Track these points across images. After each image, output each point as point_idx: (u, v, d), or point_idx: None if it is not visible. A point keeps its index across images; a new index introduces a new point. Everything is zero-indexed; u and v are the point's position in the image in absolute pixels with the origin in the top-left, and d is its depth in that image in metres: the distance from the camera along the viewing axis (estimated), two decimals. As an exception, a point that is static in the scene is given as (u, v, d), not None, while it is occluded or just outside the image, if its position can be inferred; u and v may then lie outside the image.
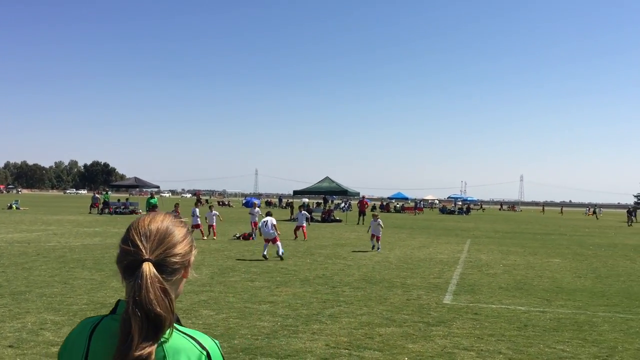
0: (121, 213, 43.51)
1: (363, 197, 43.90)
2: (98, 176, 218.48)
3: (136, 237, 1.52)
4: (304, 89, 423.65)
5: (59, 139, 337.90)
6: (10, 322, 7.93)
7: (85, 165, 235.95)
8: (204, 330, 7.73)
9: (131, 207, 45.66)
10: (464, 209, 74.84)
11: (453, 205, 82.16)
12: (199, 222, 23.78)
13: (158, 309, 1.41)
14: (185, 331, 1.51)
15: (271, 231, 17.20)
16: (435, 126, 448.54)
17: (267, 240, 17.17)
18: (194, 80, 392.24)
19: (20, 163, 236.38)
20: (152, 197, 28.83)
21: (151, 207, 27.71)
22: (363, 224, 38.50)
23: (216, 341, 1.54)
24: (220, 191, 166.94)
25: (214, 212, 23.87)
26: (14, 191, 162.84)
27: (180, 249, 1.56)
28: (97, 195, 47.59)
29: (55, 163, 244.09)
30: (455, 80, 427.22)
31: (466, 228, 38.69)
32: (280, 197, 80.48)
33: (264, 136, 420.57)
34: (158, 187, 48.60)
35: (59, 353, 1.53)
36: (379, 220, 20.61)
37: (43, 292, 10.29)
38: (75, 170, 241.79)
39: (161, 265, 1.50)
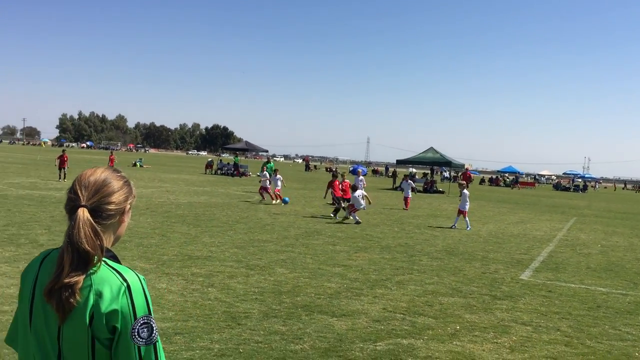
0: (231, 175, 45.72)
1: (466, 169, 43.00)
2: (218, 139, 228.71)
3: (77, 187, 1.84)
4: (420, 60, 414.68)
5: (184, 103, 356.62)
6: (106, 266, 8.93)
7: (206, 128, 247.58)
8: (271, 286, 8.32)
9: (242, 170, 47.75)
10: (580, 187, 70.80)
11: (569, 182, 77.95)
12: (268, 186, 23.53)
13: (86, 246, 1.72)
14: (114, 266, 1.80)
15: (362, 202, 17.87)
16: (558, 98, 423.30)
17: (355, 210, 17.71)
18: (310, 47, 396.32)
19: (149, 124, 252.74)
20: (268, 162, 29.78)
21: (269, 170, 28.54)
22: (466, 196, 37.80)
23: (141, 277, 1.83)
24: (331, 158, 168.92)
25: (278, 176, 24.06)
26: (142, 150, 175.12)
27: (115, 197, 1.86)
28: (211, 160, 50.35)
29: (180, 125, 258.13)
30: (586, 48, 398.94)
31: (576, 206, 36.86)
32: (386, 166, 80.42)
33: (378, 104, 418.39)
34: (267, 151, 50.39)
35: (21, 275, 1.95)
36: (465, 191, 18.94)
37: (141, 242, 11.37)
38: (197, 132, 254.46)
39: (96, 211, 1.81)
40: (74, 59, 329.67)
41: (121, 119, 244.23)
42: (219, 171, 47.95)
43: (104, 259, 1.80)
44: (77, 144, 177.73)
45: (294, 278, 9.15)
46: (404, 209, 24.26)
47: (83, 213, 1.79)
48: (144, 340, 1.74)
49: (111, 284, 1.75)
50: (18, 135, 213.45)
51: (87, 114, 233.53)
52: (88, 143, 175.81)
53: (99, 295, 1.72)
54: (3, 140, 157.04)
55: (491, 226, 19.70)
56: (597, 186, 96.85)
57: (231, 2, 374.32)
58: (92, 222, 1.79)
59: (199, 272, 9.08)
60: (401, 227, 17.49)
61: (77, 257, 1.73)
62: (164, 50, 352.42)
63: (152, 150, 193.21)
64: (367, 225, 17.44)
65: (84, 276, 1.73)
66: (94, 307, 1.71)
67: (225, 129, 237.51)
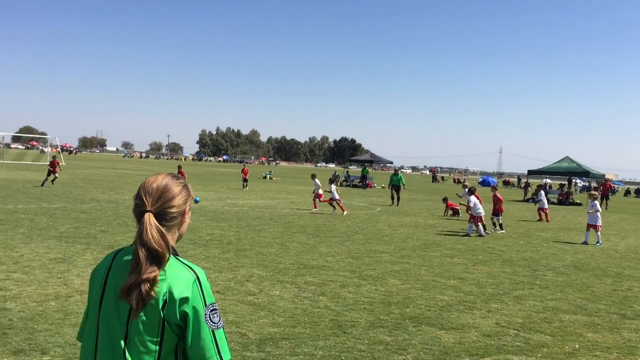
0: (357, 186, 46.13)
1: (607, 179, 39.94)
2: (345, 151, 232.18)
3: (142, 194, 2.08)
4: (554, 68, 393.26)
5: (313, 116, 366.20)
6: (225, 273, 9.43)
7: (334, 141, 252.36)
8: (382, 296, 8.33)
9: (367, 181, 47.98)
10: None
11: None
12: (337, 197, 21.98)
13: (155, 246, 1.96)
14: (183, 261, 2.06)
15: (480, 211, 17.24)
16: None
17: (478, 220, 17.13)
18: (438, 56, 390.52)
19: (280, 138, 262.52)
20: (396, 173, 29.70)
21: (397, 182, 28.54)
22: (606, 209, 35.19)
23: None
24: (460, 169, 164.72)
25: (317, 181, 23.91)
26: (274, 163, 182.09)
27: (175, 201, 2.09)
28: (337, 173, 51.22)
29: (309, 138, 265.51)
30: None
31: None
32: (519, 177, 76.91)
33: (512, 112, 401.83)
34: (392, 162, 50.26)
35: (92, 274, 2.16)
36: (595, 203, 17.27)
37: (261, 251, 11.86)
38: (326, 145, 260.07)
39: (160, 214, 2.05)
40: (212, 77, 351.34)
41: (254, 133, 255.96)
42: (344, 183, 48.61)
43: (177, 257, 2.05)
44: (215, 158, 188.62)
45: (406, 289, 9.07)
46: (538, 220, 23.26)
47: (149, 217, 2.03)
48: (215, 325, 1.97)
49: (183, 275, 2.00)
50: (163, 150, 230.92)
51: (224, 130, 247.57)
52: (224, 157, 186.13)
53: (173, 284, 1.96)
54: (150, 156, 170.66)
55: (631, 241, 18.18)
56: None
57: (366, 13, 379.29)
58: (158, 224, 2.02)
59: (312, 280, 9.29)
60: (527, 240, 16.68)
61: (150, 256, 1.96)
62: (295, 67, 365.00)
63: (283, 163, 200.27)
64: (490, 238, 16.83)
65: (159, 271, 1.97)
66: (168, 293, 1.94)
67: (353, 141, 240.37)
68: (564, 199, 38.45)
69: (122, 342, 1.95)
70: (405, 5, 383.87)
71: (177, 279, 1.97)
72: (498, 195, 19.37)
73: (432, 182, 76.43)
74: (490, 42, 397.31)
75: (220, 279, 8.95)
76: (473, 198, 17.51)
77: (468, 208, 17.67)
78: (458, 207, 22.89)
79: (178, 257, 2.07)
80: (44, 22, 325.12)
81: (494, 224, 19.03)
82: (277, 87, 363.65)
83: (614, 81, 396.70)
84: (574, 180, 52.38)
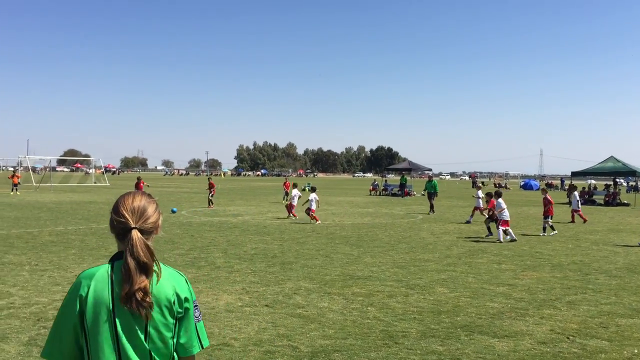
0: (396, 195, 45.92)
1: (655, 177, 38.73)
2: (382, 160, 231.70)
3: (125, 211, 2.33)
4: (592, 64, 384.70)
5: (348, 127, 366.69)
6: (273, 287, 9.51)
7: (371, 150, 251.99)
8: (431, 305, 8.27)
9: (407, 189, 47.71)
10: None
11: None
12: (313, 207, 21.48)
13: (144, 259, 2.24)
14: (168, 267, 2.39)
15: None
16: None
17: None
18: (473, 62, 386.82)
19: (316, 150, 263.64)
20: (430, 180, 29.43)
21: (432, 189, 28.32)
22: (656, 208, 34.13)
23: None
24: (501, 173, 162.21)
25: (296, 191, 23.65)
26: (311, 175, 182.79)
27: (152, 219, 2.38)
28: (376, 183, 51.14)
29: (346, 149, 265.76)
30: None
31: None
32: (562, 179, 75.30)
33: (549, 114, 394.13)
34: (430, 169, 49.79)
35: (83, 290, 2.25)
36: None
37: (306, 264, 11.92)
38: (363, 155, 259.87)
39: (141, 230, 2.32)
40: (246, 92, 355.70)
41: (291, 146, 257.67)
42: (383, 192, 48.45)
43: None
44: (253, 172, 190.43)
45: (455, 297, 8.98)
46: (570, 222, 22.83)
47: (136, 234, 2.30)
48: (198, 318, 2.37)
49: (178, 276, 2.38)
50: (202, 167, 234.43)
51: (260, 144, 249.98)
52: (262, 171, 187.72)
53: (176, 285, 2.33)
54: (190, 173, 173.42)
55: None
56: None
57: (395, 18, 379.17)
58: (144, 239, 2.30)
59: (360, 291, 9.29)
60: (576, 244, 16.30)
61: (139, 267, 2.23)
62: (327, 77, 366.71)
63: (321, 175, 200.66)
64: (537, 242, 16.52)
65: (149, 279, 2.24)
66: (175, 294, 2.30)
67: (389, 149, 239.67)
68: (611, 200, 37.45)
69: (145, 342, 2.22)
70: (437, 6, 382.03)
71: (176, 281, 2.35)
72: (548, 197, 19.19)
73: (472, 187, 75.43)
74: (525, 42, 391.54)
75: (268, 293, 9.02)
76: (502, 202, 17.23)
77: (490, 211, 17.71)
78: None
79: (162, 264, 2.36)
80: (83, 45, 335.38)
81: (544, 227, 18.75)
82: (312, 98, 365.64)
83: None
84: (618, 181, 51.01)
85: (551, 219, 18.73)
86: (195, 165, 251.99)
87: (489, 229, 17.98)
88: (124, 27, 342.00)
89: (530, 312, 8.14)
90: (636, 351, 6.42)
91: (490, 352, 6.31)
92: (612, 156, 39.78)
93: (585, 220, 23.43)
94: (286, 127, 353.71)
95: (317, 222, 20.79)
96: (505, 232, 16.61)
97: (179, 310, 2.30)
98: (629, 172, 39.45)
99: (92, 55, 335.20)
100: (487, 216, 18.63)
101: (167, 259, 12.06)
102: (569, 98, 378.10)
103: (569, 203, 31.63)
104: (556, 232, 18.49)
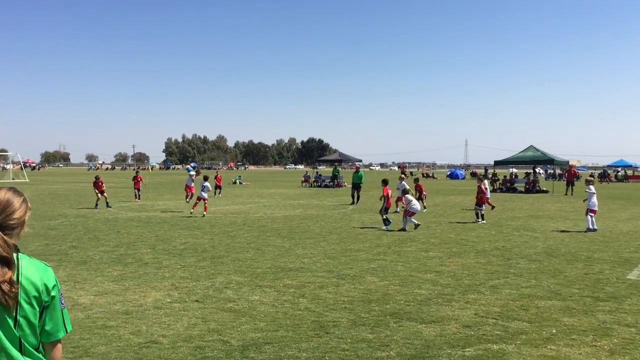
0: (328, 186, 46.25)
1: (571, 166, 40.85)
2: (314, 152, 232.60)
3: None
4: (508, 51, 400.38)
5: (279, 119, 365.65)
6: (203, 281, 9.38)
7: (302, 142, 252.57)
8: (361, 295, 8.38)
9: (337, 180, 48.11)
10: None
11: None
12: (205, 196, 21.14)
13: (3, 253, 2.29)
14: (31, 258, 2.45)
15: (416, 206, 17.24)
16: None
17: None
18: (401, 54, 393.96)
19: (247, 142, 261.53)
20: (357, 171, 29.47)
21: (357, 180, 28.32)
22: (572, 194, 36.01)
23: None
24: (428, 163, 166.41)
25: (205, 183, 21.89)
26: (242, 167, 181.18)
27: (17, 214, 2.42)
28: (308, 174, 51.30)
29: (277, 141, 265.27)
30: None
31: (698, 198, 33.98)
32: (486, 168, 78.08)
33: (474, 105, 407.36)
34: (360, 160, 50.52)
35: None
36: (589, 188, 17.64)
37: (237, 257, 11.82)
38: (294, 147, 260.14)
39: (3, 226, 2.36)
40: (174, 84, 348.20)
41: (221, 139, 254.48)
42: (315, 183, 48.67)
43: (21, 253, 2.43)
44: (183, 166, 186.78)
45: (384, 286, 9.14)
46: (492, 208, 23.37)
47: None
48: (64, 305, 2.50)
49: (44, 268, 2.46)
50: (129, 161, 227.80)
51: (190, 137, 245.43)
52: (192, 164, 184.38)
53: (42, 275, 2.42)
54: (116, 167, 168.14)
55: (598, 224, 18.56)
56: None
57: (326, 11, 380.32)
58: (2, 234, 2.33)
59: (291, 283, 9.30)
60: (499, 230, 16.97)
61: (0, 261, 2.30)
62: (257, 71, 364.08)
63: (252, 167, 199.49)
64: (462, 230, 17.08)
65: (11, 270, 2.31)
66: (43, 284, 2.39)
67: (320, 141, 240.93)
68: (531, 187, 39.19)
69: (14, 329, 2.33)
70: (368, 1, 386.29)
71: (43, 271, 2.43)
72: (482, 186, 19.82)
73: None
74: (448, 35, 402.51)
75: (198, 288, 8.89)
76: (409, 197, 17.66)
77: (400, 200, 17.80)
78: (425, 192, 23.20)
79: (25, 255, 2.43)
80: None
81: (476, 214, 19.44)
82: (242, 90, 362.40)
83: (574, 69, 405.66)
84: (537, 169, 53.47)
85: (483, 207, 19.41)
86: (121, 159, 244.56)
87: (385, 220, 17.75)
88: (39, 17, 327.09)
89: (456, 298, 8.40)
90: (554, 331, 6.75)
91: (417, 337, 6.47)
92: (531, 145, 41.61)
93: (493, 207, 23.70)
94: (216, 119, 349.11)
95: (204, 213, 20.38)
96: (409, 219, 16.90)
97: (46, 299, 2.40)
98: (547, 161, 41.40)
99: (8, 45, 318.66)
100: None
101: (91, 257, 11.66)
102: (492, 90, 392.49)
103: (500, 191, 32.90)
104: (485, 222, 18.94)
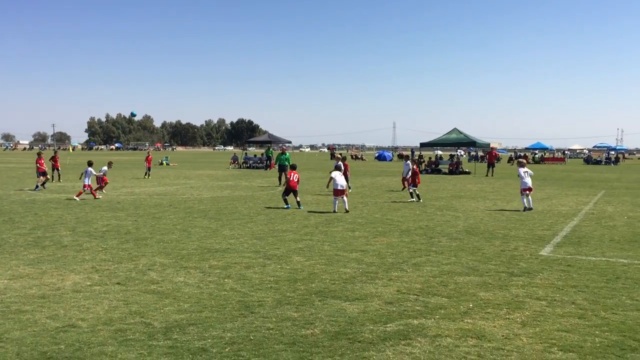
0: (257, 167, 46.00)
1: (492, 148, 42.45)
2: (243, 133, 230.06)
3: None
4: (434, 40, 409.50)
5: (208, 99, 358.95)
6: (125, 264, 9.15)
7: (232, 123, 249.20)
8: (287, 274, 8.43)
9: (267, 162, 47.90)
10: (612, 159, 69.39)
11: (600, 155, 76.48)
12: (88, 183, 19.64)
13: None
14: None
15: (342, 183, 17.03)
16: (589, 69, 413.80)
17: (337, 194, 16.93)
18: (331, 34, 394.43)
19: (175, 122, 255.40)
20: (283, 153, 28.70)
21: (283, 162, 27.52)
22: (492, 175, 37.45)
23: None
24: (358, 145, 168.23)
25: (104, 168, 21.29)
26: (170, 148, 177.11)
27: None
28: (236, 156, 50.78)
29: (206, 122, 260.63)
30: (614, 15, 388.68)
31: (606, 179, 36.17)
32: (412, 150, 79.96)
33: (403, 88, 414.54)
34: (290, 142, 50.50)
35: None
36: (520, 169, 18.35)
37: (162, 239, 11.59)
38: (223, 127, 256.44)
39: None
40: (97, 61, 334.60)
41: (148, 119, 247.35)
42: (243, 164, 48.29)
43: None
44: (106, 146, 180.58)
45: (310, 265, 9.23)
46: (403, 188, 23.72)
47: None
48: None
49: None
50: (49, 141, 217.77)
51: (114, 116, 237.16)
52: (117, 145, 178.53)
53: None
54: (34, 147, 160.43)
55: (515, 204, 19.48)
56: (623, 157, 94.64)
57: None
58: None
59: (217, 264, 9.23)
60: (423, 210, 17.45)
61: None
62: (185, 49, 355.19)
63: (180, 148, 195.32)
64: (388, 209, 17.44)
65: None
66: None
67: (250, 122, 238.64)
68: (455, 169, 40.45)
69: None
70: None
71: None
72: (415, 168, 20.73)
73: (331, 159, 77.62)
74: (383, 23, 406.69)
75: (120, 270, 8.67)
76: (335, 173, 17.43)
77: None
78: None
79: None
80: None
81: (411, 194, 20.28)
82: (169, 69, 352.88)
83: (495, 56, 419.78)
84: (458, 151, 55.17)
85: (417, 187, 20.39)
86: (40, 139, 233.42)
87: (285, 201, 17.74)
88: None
89: (379, 275, 8.60)
90: (471, 305, 7.04)
91: (341, 314, 6.58)
92: (455, 128, 42.84)
93: (404, 187, 23.71)
94: (142, 98, 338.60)
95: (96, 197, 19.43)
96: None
97: None
98: (470, 143, 42.80)
99: None
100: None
101: (5, 240, 11.12)
102: (419, 74, 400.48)
103: (426, 172, 33.68)
104: (421, 200, 19.88)
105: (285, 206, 17.37)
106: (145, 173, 32.87)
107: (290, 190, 17.52)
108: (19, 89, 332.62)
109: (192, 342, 5.61)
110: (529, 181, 18.06)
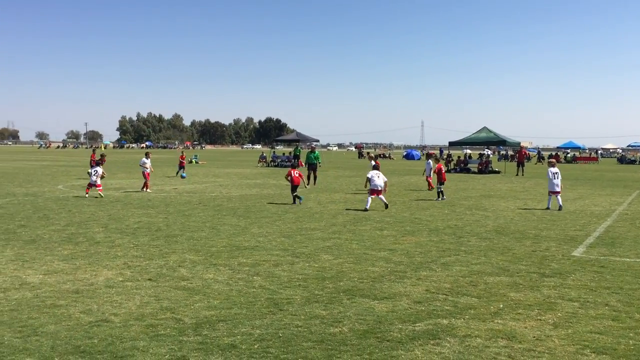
0: (284, 166, 46.18)
1: (522, 147, 41.87)
2: (271, 132, 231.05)
3: None
4: (464, 37, 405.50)
5: (237, 98, 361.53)
6: (156, 260, 9.28)
7: (260, 122, 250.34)
8: (315, 272, 8.44)
9: (295, 161, 48.02)
10: (647, 158, 67.83)
11: (634, 154, 74.80)
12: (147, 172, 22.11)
13: None
14: None
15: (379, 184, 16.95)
16: (621, 68, 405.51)
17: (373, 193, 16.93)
18: (358, 33, 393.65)
19: (204, 121, 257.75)
20: (312, 151, 28.43)
21: (313, 160, 27.34)
22: (523, 175, 36.95)
23: None
24: (385, 144, 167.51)
25: (143, 160, 22.49)
26: (199, 147, 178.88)
27: None
28: (264, 154, 50.99)
29: (234, 120, 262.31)
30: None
31: (641, 179, 35.37)
32: (441, 149, 79.32)
33: (431, 86, 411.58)
34: (318, 140, 50.53)
35: None
36: (549, 169, 18.29)
37: (192, 236, 11.72)
38: (252, 126, 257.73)
39: None
40: (129, 61, 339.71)
41: (177, 117, 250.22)
42: (271, 163, 48.53)
43: None
44: (137, 145, 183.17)
45: (339, 264, 9.24)
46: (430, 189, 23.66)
47: None
48: None
49: None
50: (82, 139, 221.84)
51: (144, 115, 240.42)
52: (147, 143, 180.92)
53: None
54: (68, 145, 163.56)
55: (547, 203, 19.17)
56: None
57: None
58: None
59: (246, 261, 9.30)
60: (452, 209, 17.30)
61: None
62: (215, 49, 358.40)
63: (209, 147, 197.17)
64: (417, 209, 17.34)
65: None
66: None
67: (278, 121, 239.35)
68: (484, 168, 40.01)
69: None
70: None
71: None
72: (438, 165, 20.83)
73: (359, 158, 77.50)
74: (410, 21, 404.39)
75: (151, 267, 8.80)
76: (372, 172, 17.30)
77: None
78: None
79: None
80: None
81: (438, 193, 20.33)
82: (198, 69, 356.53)
83: (524, 51, 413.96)
84: (486, 150, 54.56)
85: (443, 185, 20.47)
86: (73, 137, 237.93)
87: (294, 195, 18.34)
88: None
89: (408, 275, 8.56)
90: (501, 306, 6.96)
91: (370, 313, 6.57)
92: (485, 127, 42.36)
93: (431, 188, 23.68)
94: (172, 97, 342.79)
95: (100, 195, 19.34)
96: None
97: None
98: (500, 142, 42.26)
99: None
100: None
101: (41, 236, 11.38)
102: (448, 73, 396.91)
103: (454, 171, 33.41)
104: (445, 198, 20.00)
105: (299, 200, 18.12)
106: (177, 172, 32.84)
107: (295, 187, 18.42)
108: (53, 88, 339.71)
109: (222, 338, 5.66)
110: (557, 183, 17.81)
